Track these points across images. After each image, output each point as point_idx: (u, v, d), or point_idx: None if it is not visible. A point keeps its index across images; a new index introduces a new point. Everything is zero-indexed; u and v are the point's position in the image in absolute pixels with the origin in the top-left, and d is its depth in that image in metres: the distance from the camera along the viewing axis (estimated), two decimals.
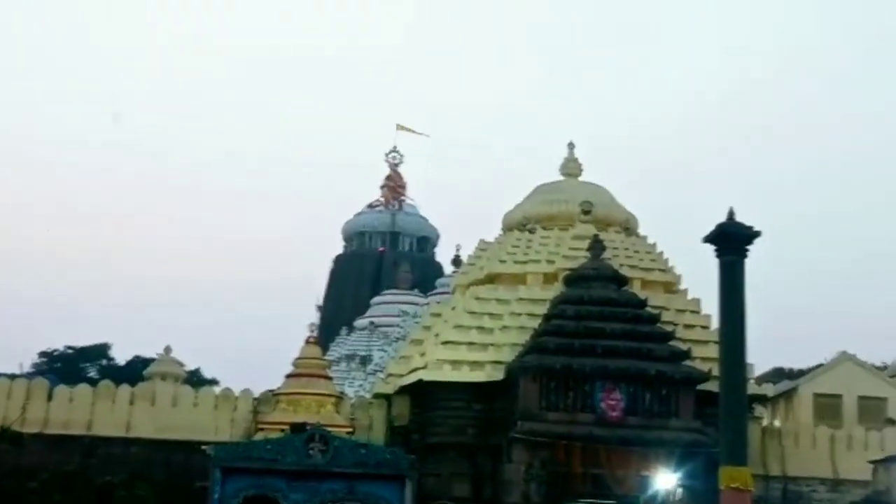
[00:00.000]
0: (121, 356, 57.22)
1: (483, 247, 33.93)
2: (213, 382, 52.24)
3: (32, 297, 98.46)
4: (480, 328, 28.97)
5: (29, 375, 35.87)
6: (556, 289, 29.01)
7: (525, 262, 31.13)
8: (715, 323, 26.51)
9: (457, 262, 48.52)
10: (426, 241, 74.24)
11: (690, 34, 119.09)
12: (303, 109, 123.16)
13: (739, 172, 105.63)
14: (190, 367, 45.52)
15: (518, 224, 33.15)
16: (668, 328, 27.74)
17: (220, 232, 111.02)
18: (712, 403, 24.09)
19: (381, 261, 70.19)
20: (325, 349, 40.88)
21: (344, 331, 57.29)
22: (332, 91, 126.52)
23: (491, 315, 29.39)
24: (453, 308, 31.40)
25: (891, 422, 32.87)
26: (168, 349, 34.71)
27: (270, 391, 29.45)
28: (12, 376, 30.93)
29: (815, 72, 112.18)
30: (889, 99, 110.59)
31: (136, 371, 41.44)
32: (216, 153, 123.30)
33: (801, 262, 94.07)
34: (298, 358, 29.41)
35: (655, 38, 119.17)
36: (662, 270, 31.62)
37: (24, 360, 53.35)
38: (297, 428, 23.97)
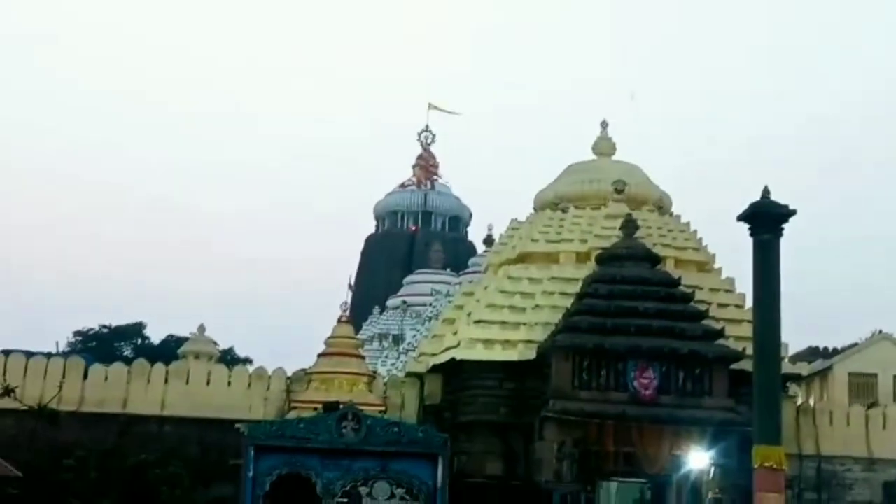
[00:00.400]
0: (155, 335, 57.71)
1: (515, 226, 33.88)
2: (247, 361, 52.58)
3: (68, 275, 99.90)
4: (512, 307, 28.98)
5: (64, 354, 36.07)
6: (589, 268, 28.96)
7: (557, 242, 31.08)
8: (749, 302, 26.38)
9: (489, 241, 48.49)
10: (458, 221, 74.32)
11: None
12: (335, 87, 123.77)
13: (775, 149, 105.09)
14: (223, 346, 45.81)
15: (550, 203, 33.11)
16: (702, 307, 27.63)
17: (253, 211, 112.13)
18: (746, 382, 24.03)
19: (413, 240, 70.38)
20: (357, 328, 41.03)
21: (376, 310, 57.55)
22: (365, 69, 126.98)
23: (523, 294, 29.38)
24: (485, 287, 31.40)
25: None
26: (202, 328, 34.86)
27: (303, 370, 29.56)
28: (48, 355, 31.15)
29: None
30: None
31: (170, 350, 41.77)
32: (249, 131, 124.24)
33: (837, 238, 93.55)
34: (331, 337, 29.49)
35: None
36: (696, 249, 31.49)
37: (59, 339, 53.95)
38: (330, 407, 24.03)
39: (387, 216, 73.81)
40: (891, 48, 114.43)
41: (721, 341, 26.71)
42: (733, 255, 28.97)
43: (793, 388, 31.86)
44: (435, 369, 29.28)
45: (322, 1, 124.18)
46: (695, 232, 32.38)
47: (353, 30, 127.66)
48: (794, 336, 30.38)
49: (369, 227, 75.46)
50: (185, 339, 36.72)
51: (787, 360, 28.64)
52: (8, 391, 27.43)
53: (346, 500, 23.57)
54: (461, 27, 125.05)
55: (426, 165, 74.20)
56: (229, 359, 49.94)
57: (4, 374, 28.14)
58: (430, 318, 46.93)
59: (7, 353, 29.87)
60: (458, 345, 28.48)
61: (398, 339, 52.30)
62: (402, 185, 74.53)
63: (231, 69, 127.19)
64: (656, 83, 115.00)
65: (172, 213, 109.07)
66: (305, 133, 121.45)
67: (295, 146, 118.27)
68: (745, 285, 27.73)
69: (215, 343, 36.18)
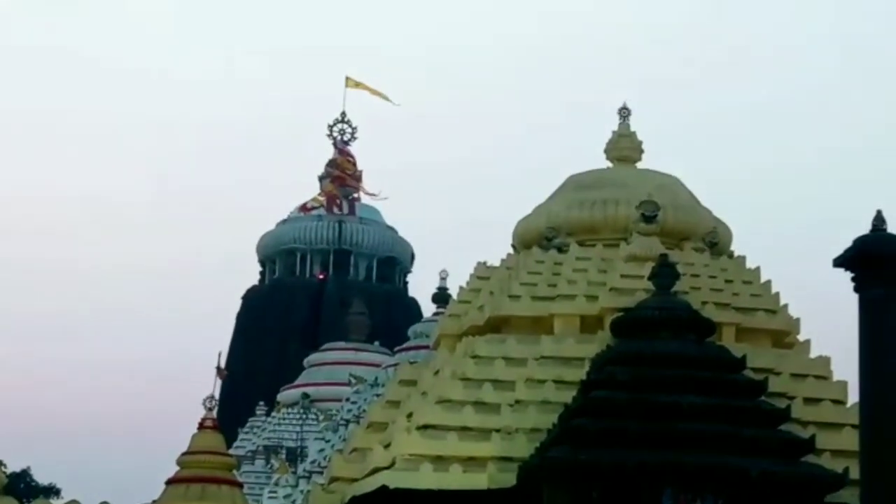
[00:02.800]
0: None
1: (484, 274, 34.01)
2: (52, 491, 52.12)
3: None
4: (480, 404, 29.00)
5: None
6: (601, 341, 29.09)
7: (551, 299, 31.21)
8: (854, 396, 26.55)
9: (442, 298, 48.67)
10: (393, 265, 74.76)
11: None
12: (200, 60, 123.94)
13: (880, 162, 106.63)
14: (14, 467, 45.41)
15: (541, 237, 33.26)
16: (780, 403, 27.79)
17: (57, 247, 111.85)
18: None
19: (321, 296, 70.47)
20: (230, 438, 40.92)
21: (261, 408, 57.44)
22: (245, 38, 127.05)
23: (497, 383, 29.43)
24: (437, 372, 31.45)
25: None
26: None
27: None
28: None
29: None
30: None
31: None
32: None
33: None
34: (187, 452, 29.37)
35: None
36: (771, 311, 31.70)
37: None
38: None
39: (279, 258, 74.11)
40: None
41: (810, 457, 26.84)
42: (825, 321, 29.13)
43: None
44: None
45: None
46: (768, 283, 32.61)
47: None
48: None
49: (251, 275, 75.51)
50: None
51: None
52: None
53: None
54: None
55: (342, 176, 74.22)
56: (23, 487, 49.44)
57: None
58: (346, 422, 46.86)
59: None
60: (393, 464, 28.39)
61: (296, 455, 52.15)
62: (304, 209, 74.69)
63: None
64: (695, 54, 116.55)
65: None
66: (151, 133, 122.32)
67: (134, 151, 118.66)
68: (846, 369, 27.94)
69: (1, 464, 35.86)
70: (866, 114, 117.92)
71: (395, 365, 44.34)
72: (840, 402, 29.68)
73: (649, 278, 29.04)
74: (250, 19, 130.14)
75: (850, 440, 26.74)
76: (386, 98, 75.87)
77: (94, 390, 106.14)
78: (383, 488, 28.07)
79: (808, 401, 29.40)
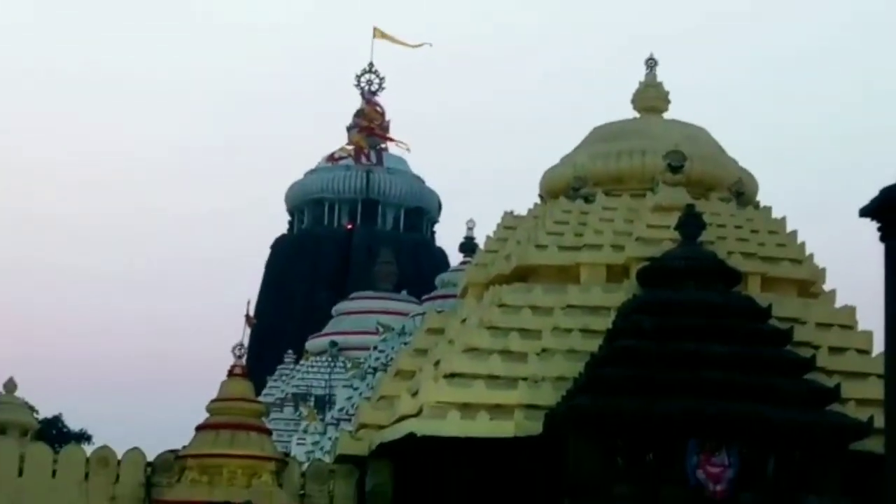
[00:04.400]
0: None
1: (511, 224, 34.01)
2: (83, 438, 52.39)
3: None
4: (507, 353, 29.07)
5: None
6: (627, 290, 29.13)
7: (578, 249, 31.22)
8: (879, 345, 26.49)
9: (469, 247, 48.72)
10: (420, 215, 74.58)
11: None
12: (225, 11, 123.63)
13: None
14: (45, 413, 45.68)
15: (565, 188, 33.22)
16: (806, 352, 27.77)
17: (93, 202, 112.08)
18: (875, 470, 24.18)
19: (349, 245, 70.48)
20: (259, 386, 41.07)
21: (290, 356, 57.54)
22: None
23: (523, 332, 29.48)
24: (464, 321, 31.50)
25: None
26: (11, 385, 34.76)
27: (173, 452, 29.53)
28: None
29: None
30: None
31: None
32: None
33: None
34: (217, 399, 29.50)
35: None
36: (797, 261, 31.65)
37: None
38: None
39: (307, 208, 73.95)
40: None
41: (835, 406, 26.84)
42: (851, 270, 29.10)
43: None
44: (383, 450, 29.26)
45: None
46: (794, 233, 32.54)
47: None
48: None
49: (280, 224, 75.51)
50: None
51: None
52: None
53: None
54: None
55: (370, 126, 74.00)
56: (55, 434, 49.72)
57: None
58: (374, 370, 46.95)
59: None
60: (420, 412, 28.47)
61: (324, 403, 52.29)
62: (332, 159, 74.44)
63: None
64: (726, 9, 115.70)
65: None
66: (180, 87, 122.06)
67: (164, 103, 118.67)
68: (872, 318, 27.90)
69: (33, 409, 36.10)
70: (891, 63, 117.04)
71: (423, 314, 44.39)
72: (865, 352, 29.67)
73: (675, 228, 29.05)
74: None
75: (874, 389, 26.68)
76: (411, 45, 75.54)
77: (125, 338, 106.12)
78: (410, 435, 28.17)
79: (833, 350, 29.40)
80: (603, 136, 34.50)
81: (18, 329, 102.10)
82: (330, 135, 76.32)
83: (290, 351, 57.70)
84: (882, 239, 23.94)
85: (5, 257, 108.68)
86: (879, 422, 24.74)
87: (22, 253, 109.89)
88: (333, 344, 55.88)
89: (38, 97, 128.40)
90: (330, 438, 43.21)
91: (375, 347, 50.50)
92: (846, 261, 30.42)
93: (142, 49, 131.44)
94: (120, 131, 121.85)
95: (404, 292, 58.64)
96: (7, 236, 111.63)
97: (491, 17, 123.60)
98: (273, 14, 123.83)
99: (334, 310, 59.82)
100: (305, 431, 49.10)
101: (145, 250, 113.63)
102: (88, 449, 32.24)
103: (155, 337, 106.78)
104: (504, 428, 27.83)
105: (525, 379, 28.52)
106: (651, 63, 35.23)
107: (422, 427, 28.13)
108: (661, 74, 35.24)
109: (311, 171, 74.82)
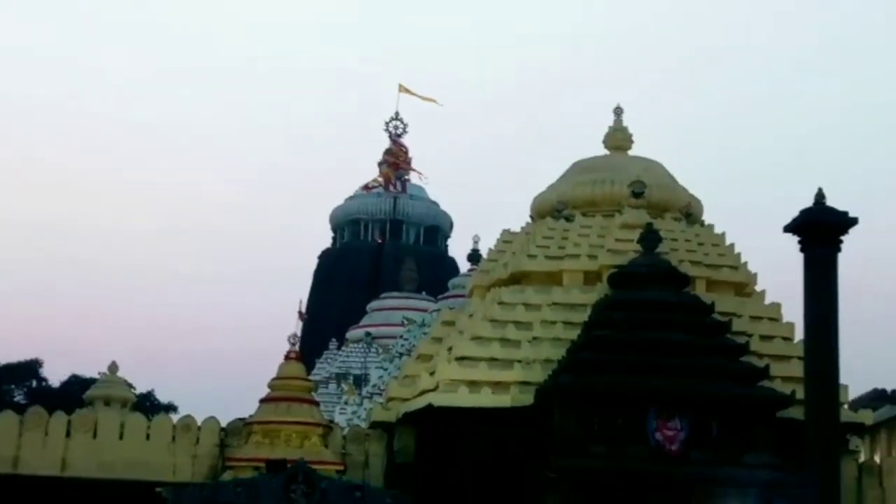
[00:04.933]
0: (54, 376, 57.51)
1: (508, 238, 33.90)
2: (171, 409, 52.39)
3: None
4: (505, 340, 28.95)
5: None
6: (600, 291, 28.99)
7: (561, 258, 31.10)
8: (799, 333, 26.45)
9: (474, 257, 48.52)
10: (436, 232, 74.44)
11: None
12: (283, 71, 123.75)
13: (827, 149, 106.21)
14: (141, 389, 45.69)
15: (552, 210, 33.12)
16: (741, 340, 27.68)
17: (180, 220, 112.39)
18: (796, 434, 24.11)
19: (380, 256, 70.46)
20: (309, 367, 40.96)
21: (333, 344, 57.47)
22: (319, 46, 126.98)
23: (518, 324, 29.37)
24: (471, 315, 31.40)
25: None
26: (114, 367, 34.63)
27: (241, 420, 29.46)
28: None
29: None
30: None
31: (73, 394, 41.54)
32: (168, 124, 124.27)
33: None
34: (276, 378, 29.42)
35: None
36: (734, 268, 31.54)
37: None
38: (276, 465, 24.00)
39: (347, 226, 73.87)
40: None
41: (765, 382, 26.74)
42: (777, 274, 29.09)
43: (854, 441, 31.87)
44: (407, 418, 29.16)
45: None
46: (732, 246, 32.44)
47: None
48: (856, 377, 30.53)
49: (325, 239, 75.48)
50: (93, 381, 36.49)
51: (846, 406, 28.70)
52: None
53: None
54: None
55: (396, 162, 74.09)
56: (148, 405, 49.76)
57: None
58: (400, 355, 46.79)
59: None
60: (437, 388, 28.40)
61: (361, 381, 52.16)
62: (366, 188, 74.51)
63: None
64: (677, 59, 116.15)
65: (81, 230, 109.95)
66: (246, 129, 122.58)
67: (232, 144, 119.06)
68: (793, 312, 27.83)
69: (130, 386, 36.01)
70: (813, 113, 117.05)
71: (438, 310, 44.23)
72: (788, 339, 29.55)
73: (638, 242, 28.96)
74: (325, 42, 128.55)
75: (796, 369, 26.73)
76: (428, 99, 75.63)
77: (208, 329, 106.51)
78: (429, 406, 28.13)
79: (763, 338, 29.28)
80: (580, 169, 34.42)
81: (122, 322, 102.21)
82: (364, 168, 76.56)
83: (333, 339, 57.58)
84: (801, 250, 23.96)
85: (126, 263, 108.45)
86: (800, 394, 24.82)
87: (137, 259, 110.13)
88: (368, 334, 55.79)
89: (130, 135, 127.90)
90: (365, 409, 43.04)
91: (401, 336, 50.32)
92: (773, 266, 30.22)
93: (218, 95, 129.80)
94: (208, 164, 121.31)
95: (424, 293, 58.49)
96: (126, 246, 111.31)
97: (492, 74, 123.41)
98: (321, 74, 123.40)
99: (368, 307, 59.70)
100: (346, 403, 48.96)
101: (228, 259, 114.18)
102: (175, 417, 32.23)
103: (230, 328, 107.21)
104: (503, 400, 27.75)
105: (519, 361, 28.43)
106: (618, 111, 35.20)
107: (438, 399, 28.07)
108: (626, 118, 35.21)
109: (350, 198, 74.82)
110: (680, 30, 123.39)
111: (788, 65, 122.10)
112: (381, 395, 38.49)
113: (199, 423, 29.88)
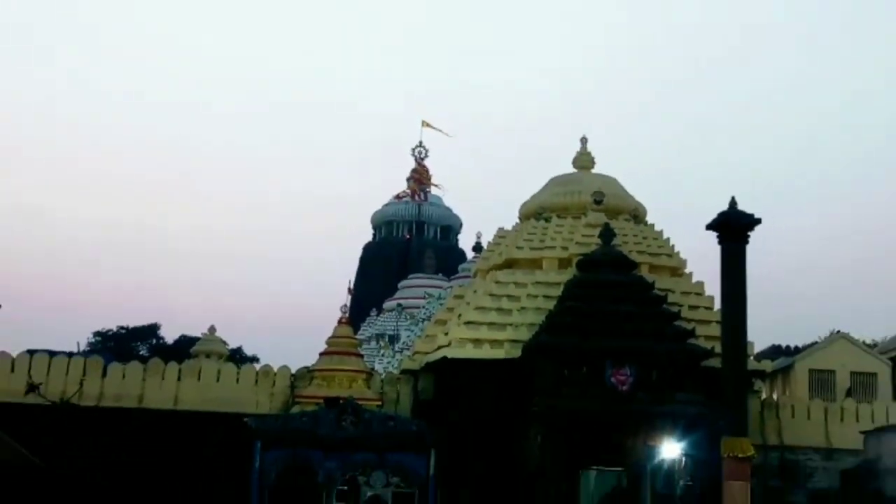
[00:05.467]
0: (169, 336, 57.69)
1: (502, 234, 33.85)
2: (254, 359, 52.43)
3: (87, 278, 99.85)
4: (499, 309, 28.94)
5: (85, 354, 35.93)
6: (570, 273, 28.91)
7: (541, 249, 31.05)
8: (717, 304, 26.35)
9: (477, 248, 48.67)
10: (449, 230, 74.14)
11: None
12: (336, 108, 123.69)
13: (742, 164, 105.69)
14: (232, 345, 45.73)
15: (534, 213, 33.08)
16: (674, 309, 27.61)
17: (271, 230, 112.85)
18: (715, 379, 24.03)
19: (408, 248, 70.15)
20: (356, 329, 40.93)
21: (374, 312, 57.40)
22: (358, 88, 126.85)
23: (509, 297, 29.35)
24: (474, 291, 31.37)
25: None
26: (212, 329, 34.68)
27: (306, 368, 29.46)
28: (70, 354, 30.99)
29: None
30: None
31: (183, 349, 41.56)
32: (253, 148, 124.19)
33: (800, 244, 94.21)
34: (332, 337, 29.40)
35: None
36: (669, 255, 31.46)
37: (80, 339, 53.89)
38: (331, 401, 23.94)
39: (383, 225, 73.65)
40: None
41: (692, 341, 26.68)
42: (703, 260, 29.08)
43: (758, 384, 31.78)
44: (428, 367, 29.17)
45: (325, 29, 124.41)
46: (668, 239, 32.36)
47: (349, 54, 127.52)
48: (759, 335, 30.45)
49: (367, 236, 75.42)
50: (197, 339, 36.54)
51: (752, 357, 28.60)
52: (33, 387, 27.57)
53: (345, 488, 23.57)
54: (451, 47, 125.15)
55: (420, 178, 73.87)
56: (237, 357, 49.85)
57: (29, 372, 28.19)
58: (423, 320, 46.83)
59: (31, 352, 29.66)
60: (449, 344, 28.41)
61: (394, 339, 52.15)
62: (398, 197, 74.30)
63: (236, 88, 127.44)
64: (635, 97, 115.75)
65: (189, 218, 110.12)
66: (306, 151, 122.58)
67: (296, 162, 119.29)
68: (714, 288, 27.77)
69: (224, 343, 36.05)
70: (733, 142, 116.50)
71: (451, 287, 44.31)
72: (709, 308, 29.48)
73: (598, 237, 28.88)
74: (369, 88, 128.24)
75: (715, 330, 26.64)
76: (444, 132, 75.48)
77: (284, 302, 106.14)
78: (443, 358, 28.14)
79: (691, 307, 29.22)
80: (555, 183, 34.30)
81: (219, 294, 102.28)
82: (396, 182, 76.57)
83: (373, 309, 57.49)
84: (719, 243, 23.81)
85: (226, 251, 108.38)
86: (718, 350, 24.73)
87: (234, 246, 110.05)
88: (399, 305, 55.73)
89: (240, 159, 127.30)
90: (397, 360, 43.09)
91: (423, 307, 50.38)
92: (698, 254, 30.11)
93: (299, 131, 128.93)
94: (285, 176, 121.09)
95: (440, 275, 58.38)
96: (226, 238, 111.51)
97: (493, 109, 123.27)
98: (364, 113, 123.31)
99: (399, 285, 59.60)
100: (382, 356, 49.02)
101: (298, 249, 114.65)
102: (257, 366, 32.23)
103: (299, 300, 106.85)
104: (498, 353, 27.74)
105: (511, 325, 28.40)
106: (584, 140, 34.98)
107: (450, 353, 28.07)
108: (590, 145, 35.01)
109: (386, 205, 74.59)
110: (634, 75, 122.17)
111: (716, 101, 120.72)
112: (408, 349, 38.49)
113: (275, 371, 29.88)
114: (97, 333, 57.12)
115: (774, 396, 34.76)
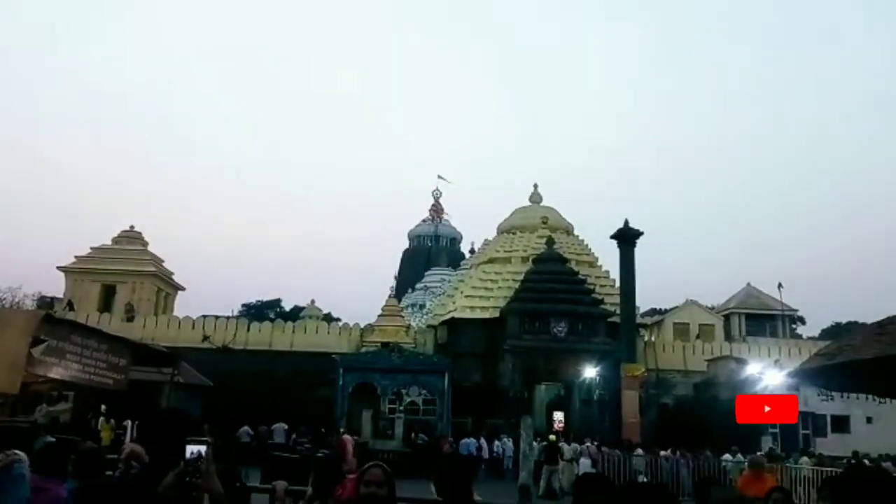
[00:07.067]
0: (288, 305, 57.68)
1: (487, 243, 33.84)
2: (338, 320, 52.37)
3: (236, 261, 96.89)
4: (486, 288, 28.88)
5: (237, 317, 36.10)
6: (528, 266, 28.81)
7: (510, 251, 30.98)
8: (618, 284, 26.25)
9: (472, 251, 48.38)
10: (455, 241, 74.02)
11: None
12: (386, 167, 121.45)
13: (631, 199, 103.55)
14: (325, 311, 45.80)
15: (506, 229, 32.99)
16: (590, 287, 27.51)
17: (358, 238, 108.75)
18: (617, 329, 23.97)
19: (430, 252, 70.06)
20: (400, 300, 40.92)
21: (410, 290, 57.30)
22: (393, 152, 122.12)
23: (491, 281, 29.29)
24: (471, 277, 31.32)
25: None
26: (313, 302, 34.82)
27: (370, 324, 29.47)
28: (227, 317, 31.17)
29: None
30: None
31: (295, 314, 41.68)
32: (346, 194, 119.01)
33: (672, 244, 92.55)
34: (385, 305, 29.43)
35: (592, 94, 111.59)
36: (587, 255, 31.32)
37: (234, 307, 54.01)
38: (386, 345, 24.03)
39: (415, 238, 73.43)
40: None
41: (602, 306, 26.58)
42: (608, 256, 29.01)
43: (642, 331, 31.69)
44: (443, 323, 29.12)
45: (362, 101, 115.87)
46: (587, 245, 32.20)
47: (386, 126, 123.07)
48: (643, 301, 30.29)
49: (405, 244, 75.42)
50: (303, 308, 36.62)
51: (639, 315, 28.46)
52: (206, 338, 27.66)
53: (393, 396, 23.60)
54: (464, 130, 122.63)
55: (437, 210, 73.94)
56: (328, 318, 49.82)
57: (203, 327, 28.26)
58: (439, 295, 46.65)
59: (205, 316, 29.89)
60: (456, 309, 28.38)
61: (422, 307, 52.10)
62: (423, 221, 74.05)
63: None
64: (569, 154, 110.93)
65: (310, 239, 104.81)
66: (368, 191, 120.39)
67: (367, 204, 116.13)
68: (615, 273, 27.66)
69: (321, 309, 36.06)
70: (635, 179, 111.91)
71: (457, 275, 44.05)
72: (613, 286, 29.23)
73: (545, 244, 28.77)
74: (399, 150, 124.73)
75: (616, 300, 26.40)
76: (451, 182, 75.54)
77: (354, 280, 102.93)
78: (452, 318, 28.08)
79: (601, 286, 28.99)
80: (518, 211, 34.06)
81: (320, 273, 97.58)
82: (420, 212, 76.31)
83: (409, 289, 57.42)
84: (618, 246, 23.76)
85: (327, 255, 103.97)
86: (618, 311, 24.61)
87: (326, 237, 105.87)
88: (425, 286, 55.64)
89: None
90: (425, 320, 43.03)
91: (440, 287, 50.29)
92: (607, 253, 29.90)
93: (355, 178, 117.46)
94: (365, 217, 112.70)
95: (450, 268, 58.28)
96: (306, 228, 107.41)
97: (490, 163, 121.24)
98: (402, 164, 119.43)
99: (426, 274, 59.51)
100: (415, 317, 48.86)
101: (364, 251, 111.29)
102: (340, 323, 31.93)
103: (364, 284, 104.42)
104: (485, 314, 27.61)
105: (493, 297, 28.34)
106: (535, 185, 34.91)
107: (457, 315, 27.97)
108: (540, 189, 34.89)
109: (416, 226, 74.42)
110: (573, 131, 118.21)
111: (630, 133, 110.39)
112: (431, 313, 38.45)
113: (351, 326, 29.84)
114: (244, 304, 57.24)
115: (653, 339, 34.58)
